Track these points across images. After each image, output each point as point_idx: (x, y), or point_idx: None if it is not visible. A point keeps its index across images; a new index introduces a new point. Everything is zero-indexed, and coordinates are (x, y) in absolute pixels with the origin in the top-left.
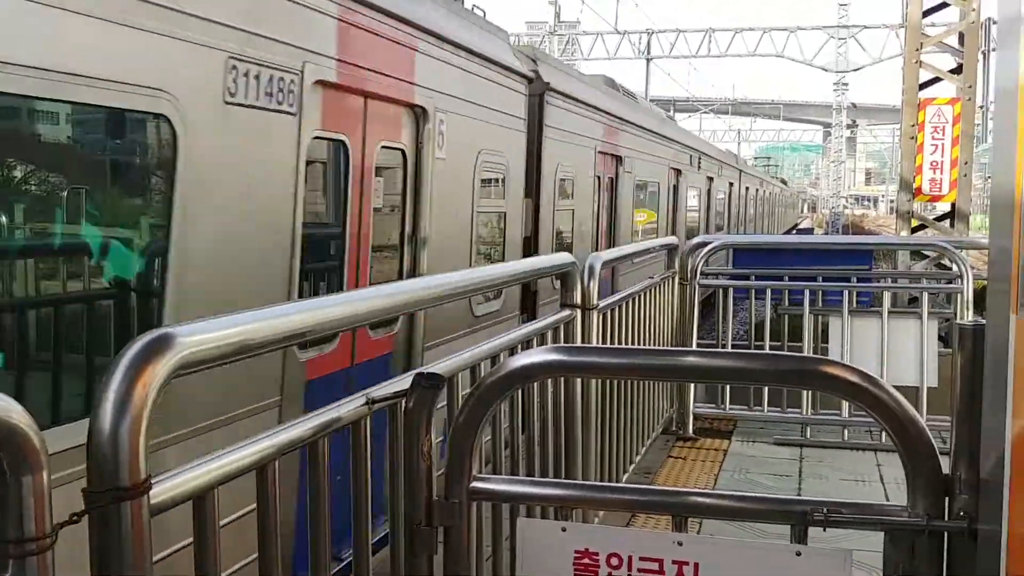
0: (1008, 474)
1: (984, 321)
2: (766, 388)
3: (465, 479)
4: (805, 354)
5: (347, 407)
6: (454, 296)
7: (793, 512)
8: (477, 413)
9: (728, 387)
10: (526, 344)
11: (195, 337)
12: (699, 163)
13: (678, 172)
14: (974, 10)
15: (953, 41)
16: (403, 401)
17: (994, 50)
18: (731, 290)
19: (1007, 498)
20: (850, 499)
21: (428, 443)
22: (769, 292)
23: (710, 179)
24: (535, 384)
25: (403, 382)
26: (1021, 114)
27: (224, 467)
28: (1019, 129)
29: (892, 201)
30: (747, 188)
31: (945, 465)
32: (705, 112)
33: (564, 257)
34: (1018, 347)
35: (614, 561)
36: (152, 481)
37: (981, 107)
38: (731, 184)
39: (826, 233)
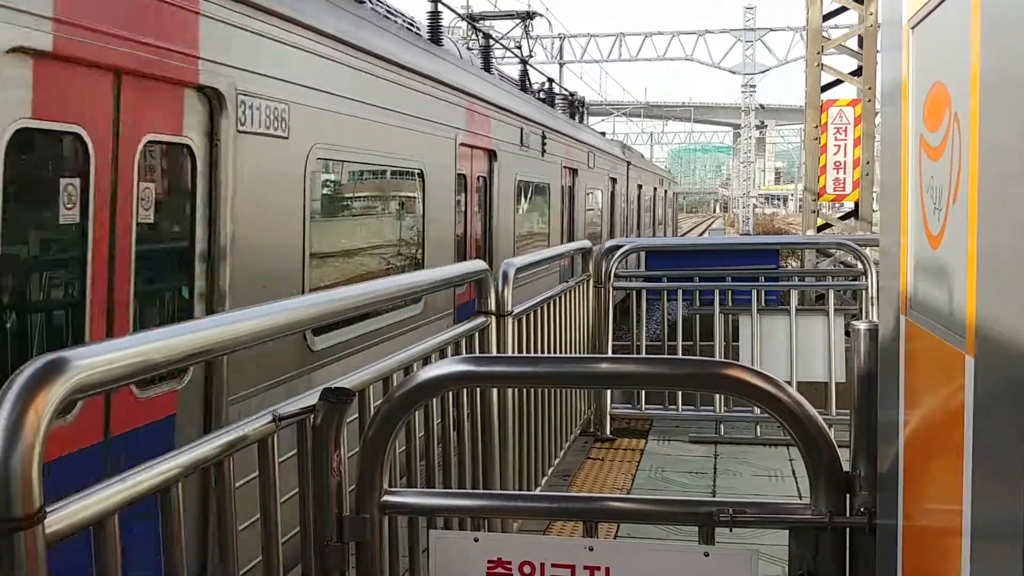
0: (902, 469)
1: (877, 322)
2: None
3: (376, 493)
4: (705, 357)
5: (253, 424)
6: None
7: (699, 513)
8: (386, 427)
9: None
10: (441, 353)
11: (89, 360)
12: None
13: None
14: (872, 13)
15: (853, 44)
16: (311, 417)
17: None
18: (644, 292)
19: (902, 493)
20: (762, 495)
21: (337, 459)
22: (680, 293)
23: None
24: (450, 394)
25: (311, 397)
26: (904, 115)
27: (124, 491)
28: (903, 129)
29: (801, 200)
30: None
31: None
32: (618, 116)
33: (477, 264)
34: (908, 347)
35: (527, 569)
36: (47, 510)
37: None
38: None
39: (739, 233)
